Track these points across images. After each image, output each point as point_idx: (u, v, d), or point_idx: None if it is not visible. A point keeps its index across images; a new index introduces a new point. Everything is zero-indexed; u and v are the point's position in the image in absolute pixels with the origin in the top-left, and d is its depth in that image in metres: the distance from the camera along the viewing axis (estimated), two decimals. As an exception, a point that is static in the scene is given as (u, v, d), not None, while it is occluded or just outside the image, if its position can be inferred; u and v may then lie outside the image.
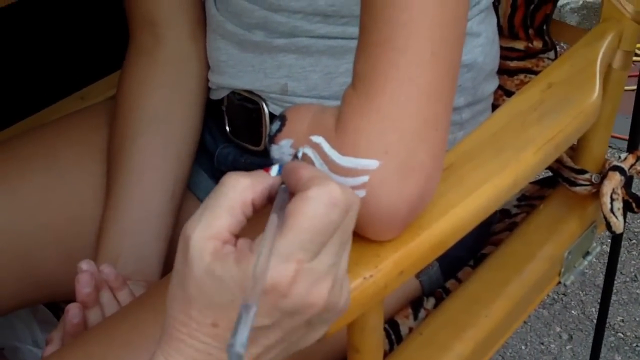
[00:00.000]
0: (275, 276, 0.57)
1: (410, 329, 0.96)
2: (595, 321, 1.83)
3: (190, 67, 1.08)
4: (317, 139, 0.70)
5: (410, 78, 0.69)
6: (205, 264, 0.58)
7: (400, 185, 0.68)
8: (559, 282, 1.05)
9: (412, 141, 0.69)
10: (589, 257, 1.08)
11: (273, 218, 0.59)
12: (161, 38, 1.08)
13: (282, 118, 0.74)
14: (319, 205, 0.58)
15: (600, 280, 1.92)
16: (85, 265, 0.95)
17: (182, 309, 0.60)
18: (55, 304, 1.24)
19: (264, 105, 1.02)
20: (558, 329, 1.86)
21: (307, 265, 0.58)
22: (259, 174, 0.63)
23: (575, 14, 2.59)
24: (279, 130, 0.74)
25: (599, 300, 1.43)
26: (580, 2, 2.58)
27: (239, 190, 0.60)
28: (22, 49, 1.41)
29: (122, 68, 1.11)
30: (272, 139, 0.74)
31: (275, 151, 0.74)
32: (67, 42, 1.47)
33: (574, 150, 1.07)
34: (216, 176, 1.12)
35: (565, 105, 0.87)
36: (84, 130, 1.13)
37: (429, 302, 0.99)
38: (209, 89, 1.10)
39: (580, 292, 1.93)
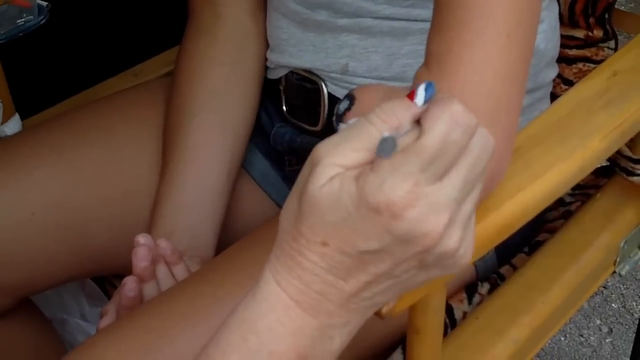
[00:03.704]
0: (389, 194, 0.54)
1: (464, 313, 0.96)
2: (635, 315, 1.83)
3: (249, 46, 1.08)
4: None
5: (485, 59, 0.69)
6: (324, 181, 0.56)
7: (472, 166, 0.68)
8: (614, 272, 1.05)
9: (484, 123, 0.68)
10: (645, 248, 1.08)
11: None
12: (221, 15, 1.08)
13: (351, 97, 0.74)
14: (438, 122, 0.55)
15: (641, 274, 1.92)
16: (142, 239, 0.95)
17: (294, 223, 0.58)
18: (102, 277, 1.25)
19: (323, 86, 1.02)
20: (598, 322, 1.85)
21: (425, 189, 0.54)
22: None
23: (623, 6, 2.57)
24: (348, 109, 0.74)
25: (640, 295, 1.42)
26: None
27: (385, 130, 0.57)
28: (76, 25, 1.41)
29: (181, 44, 1.11)
30: (341, 118, 0.74)
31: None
32: (120, 19, 1.48)
33: (632, 140, 1.06)
34: (271, 156, 1.12)
35: (631, 93, 0.86)
36: (140, 106, 1.13)
37: (484, 287, 0.98)
38: (266, 68, 1.10)
39: (621, 286, 1.92)
